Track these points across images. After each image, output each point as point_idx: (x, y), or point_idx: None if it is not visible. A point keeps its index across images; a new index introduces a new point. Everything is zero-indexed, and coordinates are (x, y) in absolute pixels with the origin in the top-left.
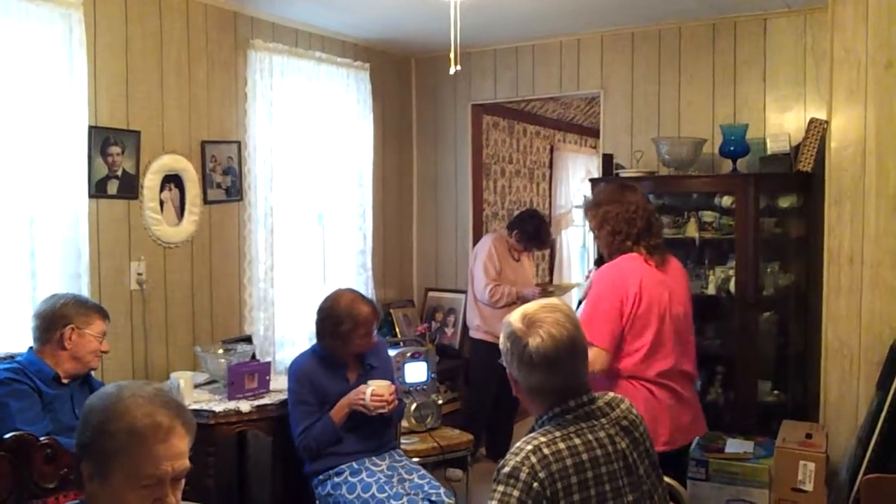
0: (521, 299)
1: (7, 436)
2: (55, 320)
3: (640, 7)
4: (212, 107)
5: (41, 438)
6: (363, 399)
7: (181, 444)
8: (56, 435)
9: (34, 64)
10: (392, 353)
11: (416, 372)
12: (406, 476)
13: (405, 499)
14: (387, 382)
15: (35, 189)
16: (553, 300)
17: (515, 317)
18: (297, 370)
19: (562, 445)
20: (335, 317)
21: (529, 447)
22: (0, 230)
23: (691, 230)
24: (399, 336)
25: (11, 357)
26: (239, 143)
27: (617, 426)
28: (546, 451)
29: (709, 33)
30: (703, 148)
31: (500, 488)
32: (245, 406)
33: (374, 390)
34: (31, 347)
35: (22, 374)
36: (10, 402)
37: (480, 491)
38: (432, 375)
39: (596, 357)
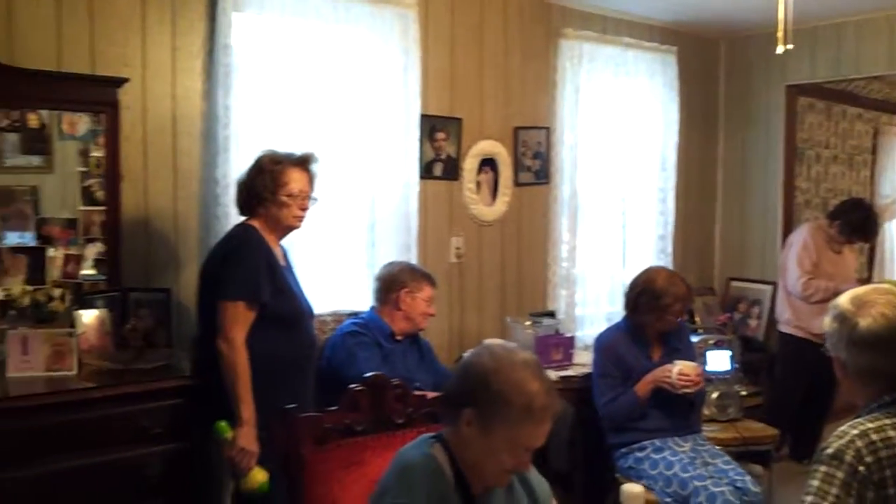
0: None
1: (367, 374)
2: (392, 284)
3: None
4: (524, 95)
5: (393, 380)
6: (669, 377)
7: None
8: None
9: (377, 61)
10: (693, 339)
11: (719, 360)
12: (710, 460)
13: (709, 481)
14: (693, 363)
15: (376, 171)
16: (884, 285)
17: (844, 299)
18: (603, 343)
19: (892, 433)
20: (654, 291)
21: (856, 431)
22: (348, 206)
23: None
24: (699, 323)
25: (356, 314)
26: (548, 128)
27: None
28: (874, 436)
29: None
30: None
31: (823, 468)
32: (552, 375)
33: (681, 369)
34: (372, 307)
35: (366, 328)
36: (358, 351)
37: (782, 493)
38: (735, 365)
39: None
